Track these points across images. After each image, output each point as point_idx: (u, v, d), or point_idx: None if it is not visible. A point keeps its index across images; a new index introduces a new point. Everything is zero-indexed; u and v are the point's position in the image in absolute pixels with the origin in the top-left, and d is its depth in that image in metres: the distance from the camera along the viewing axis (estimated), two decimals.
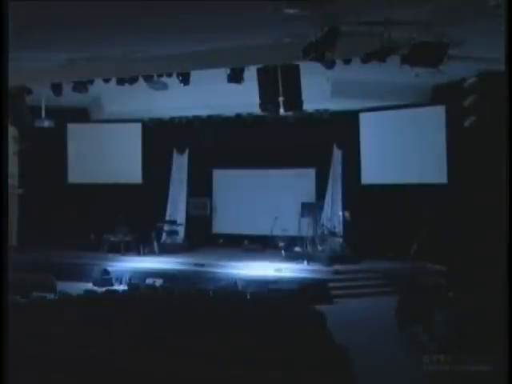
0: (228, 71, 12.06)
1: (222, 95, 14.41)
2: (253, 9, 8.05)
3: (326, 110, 16.31)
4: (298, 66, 11.60)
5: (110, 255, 16.50)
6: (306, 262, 14.91)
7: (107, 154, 18.10)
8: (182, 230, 17.97)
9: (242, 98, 13.76)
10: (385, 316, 10.71)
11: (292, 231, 16.36)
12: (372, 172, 16.16)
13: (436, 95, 14.70)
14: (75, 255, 16.41)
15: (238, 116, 16.82)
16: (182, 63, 11.75)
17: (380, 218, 15.42)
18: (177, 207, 18.47)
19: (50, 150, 17.53)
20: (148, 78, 12.89)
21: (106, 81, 12.97)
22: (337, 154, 16.99)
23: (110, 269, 15.16)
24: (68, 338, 6.60)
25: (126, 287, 13.77)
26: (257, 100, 12.52)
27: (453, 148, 14.28)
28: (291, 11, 8.00)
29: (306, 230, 16.19)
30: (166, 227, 17.82)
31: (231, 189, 18.35)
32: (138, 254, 16.63)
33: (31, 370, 5.30)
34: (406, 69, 9.36)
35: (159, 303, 9.68)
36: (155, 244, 16.93)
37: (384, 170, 15.87)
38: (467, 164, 13.43)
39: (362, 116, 16.31)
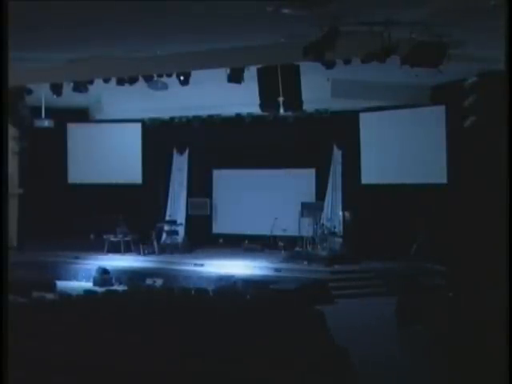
0: (228, 71, 12.05)
1: (222, 95, 14.41)
2: (252, 9, 8.05)
3: (326, 110, 16.27)
4: (298, 66, 11.59)
5: (110, 255, 16.52)
6: (305, 262, 14.91)
7: (107, 154, 18.10)
8: (181, 230, 17.96)
9: (241, 98, 13.77)
10: (385, 316, 10.71)
11: (292, 231, 16.35)
12: (372, 172, 16.14)
13: (436, 95, 14.69)
14: (75, 255, 16.42)
15: (238, 116, 16.77)
16: (182, 63, 11.75)
17: (380, 218, 15.41)
18: (177, 207, 18.47)
19: (50, 150, 17.54)
20: (148, 78, 12.89)
21: (106, 81, 12.96)
22: (337, 154, 16.97)
23: (110, 269, 15.17)
24: (68, 338, 6.61)
25: (125, 287, 13.78)
26: (257, 100, 12.51)
27: (453, 148, 14.26)
28: (291, 11, 7.99)
29: (306, 229, 16.18)
30: (166, 227, 17.81)
31: (231, 189, 18.33)
32: (138, 253, 16.64)
33: (31, 370, 5.30)
34: (406, 69, 9.36)
35: (159, 303, 9.67)
36: (155, 244, 16.93)
37: (384, 170, 15.85)
38: (467, 164, 13.42)
39: (362, 116, 16.29)
